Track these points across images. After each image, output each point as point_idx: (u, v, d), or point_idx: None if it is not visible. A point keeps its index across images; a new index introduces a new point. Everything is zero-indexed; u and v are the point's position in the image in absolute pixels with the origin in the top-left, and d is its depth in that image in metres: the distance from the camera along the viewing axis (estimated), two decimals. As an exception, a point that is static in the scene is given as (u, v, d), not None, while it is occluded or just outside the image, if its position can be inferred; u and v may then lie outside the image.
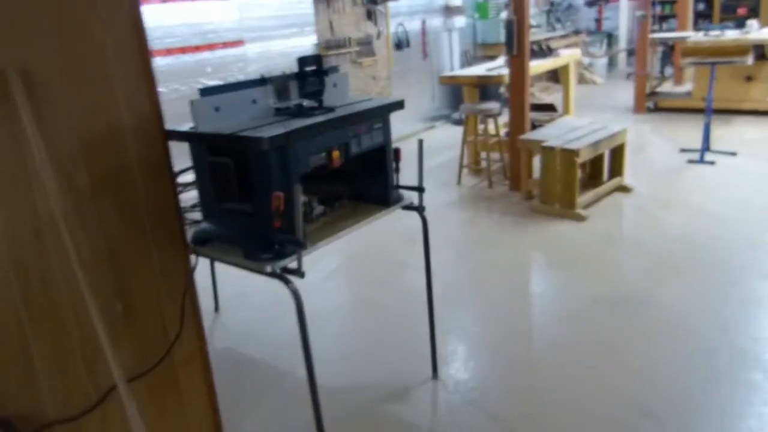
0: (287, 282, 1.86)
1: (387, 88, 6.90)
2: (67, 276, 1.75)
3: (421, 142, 2.33)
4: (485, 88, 6.14)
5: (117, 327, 1.91)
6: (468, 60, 8.57)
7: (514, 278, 3.68)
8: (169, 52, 4.77)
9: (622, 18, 11.14)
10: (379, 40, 6.78)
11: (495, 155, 5.50)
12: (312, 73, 2.24)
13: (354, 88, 6.37)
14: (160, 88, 4.92)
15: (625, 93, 8.49)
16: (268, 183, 1.87)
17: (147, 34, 1.87)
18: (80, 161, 1.76)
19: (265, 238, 1.92)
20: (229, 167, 1.92)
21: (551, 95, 8.25)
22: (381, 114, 2.23)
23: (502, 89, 6.76)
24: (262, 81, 2.12)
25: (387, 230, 4.31)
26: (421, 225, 2.46)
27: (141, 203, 1.92)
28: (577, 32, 9.07)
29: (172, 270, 2.06)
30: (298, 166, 1.93)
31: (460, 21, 8.40)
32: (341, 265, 4.05)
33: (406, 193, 2.42)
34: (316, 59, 2.26)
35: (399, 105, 2.28)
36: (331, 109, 2.13)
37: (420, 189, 2.38)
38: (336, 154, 2.06)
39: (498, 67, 5.59)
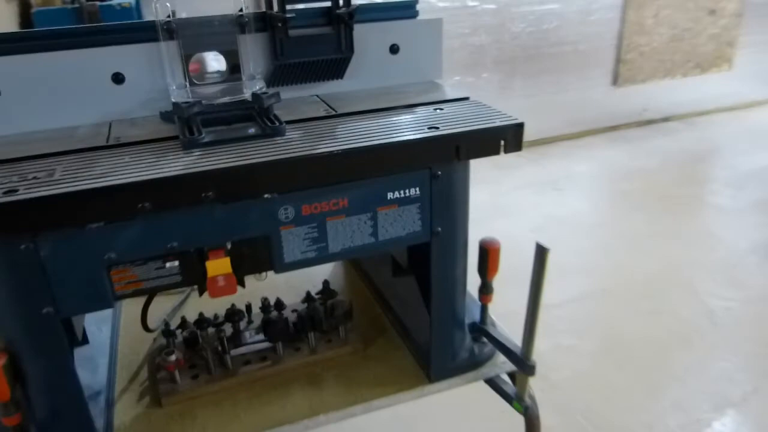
0: None
1: (732, 29, 4.62)
2: None
3: (543, 252, 0.82)
4: None
5: None
6: None
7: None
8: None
9: None
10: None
11: None
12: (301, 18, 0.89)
13: (675, 26, 4.33)
14: None
15: None
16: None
17: None
18: None
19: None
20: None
21: None
22: (413, 157, 0.78)
23: None
24: (144, 26, 0.86)
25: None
26: None
27: None
28: None
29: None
30: (48, 300, 0.68)
31: None
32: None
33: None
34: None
35: (507, 132, 0.79)
36: (272, 130, 0.78)
37: (525, 365, 0.90)
38: (216, 266, 0.73)
39: None
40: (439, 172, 0.80)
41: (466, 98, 0.93)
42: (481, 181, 3.19)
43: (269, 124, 0.79)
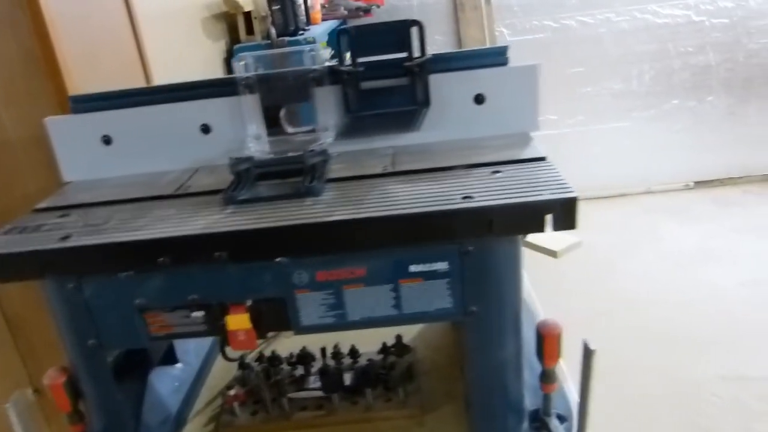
0: None
1: None
2: None
3: (589, 354, 0.70)
4: None
5: None
6: None
7: None
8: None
9: None
10: None
11: None
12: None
13: None
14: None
15: None
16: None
17: None
18: None
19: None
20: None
21: None
22: (435, 231, 0.71)
23: None
24: (227, 82, 0.93)
25: None
26: None
27: None
28: None
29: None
30: (93, 333, 0.77)
31: None
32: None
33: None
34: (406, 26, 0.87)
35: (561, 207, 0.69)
36: (306, 190, 0.78)
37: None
38: (236, 321, 0.75)
39: None
40: (470, 248, 0.72)
41: (542, 159, 0.83)
42: (693, 219, 2.79)
43: (308, 183, 0.79)
